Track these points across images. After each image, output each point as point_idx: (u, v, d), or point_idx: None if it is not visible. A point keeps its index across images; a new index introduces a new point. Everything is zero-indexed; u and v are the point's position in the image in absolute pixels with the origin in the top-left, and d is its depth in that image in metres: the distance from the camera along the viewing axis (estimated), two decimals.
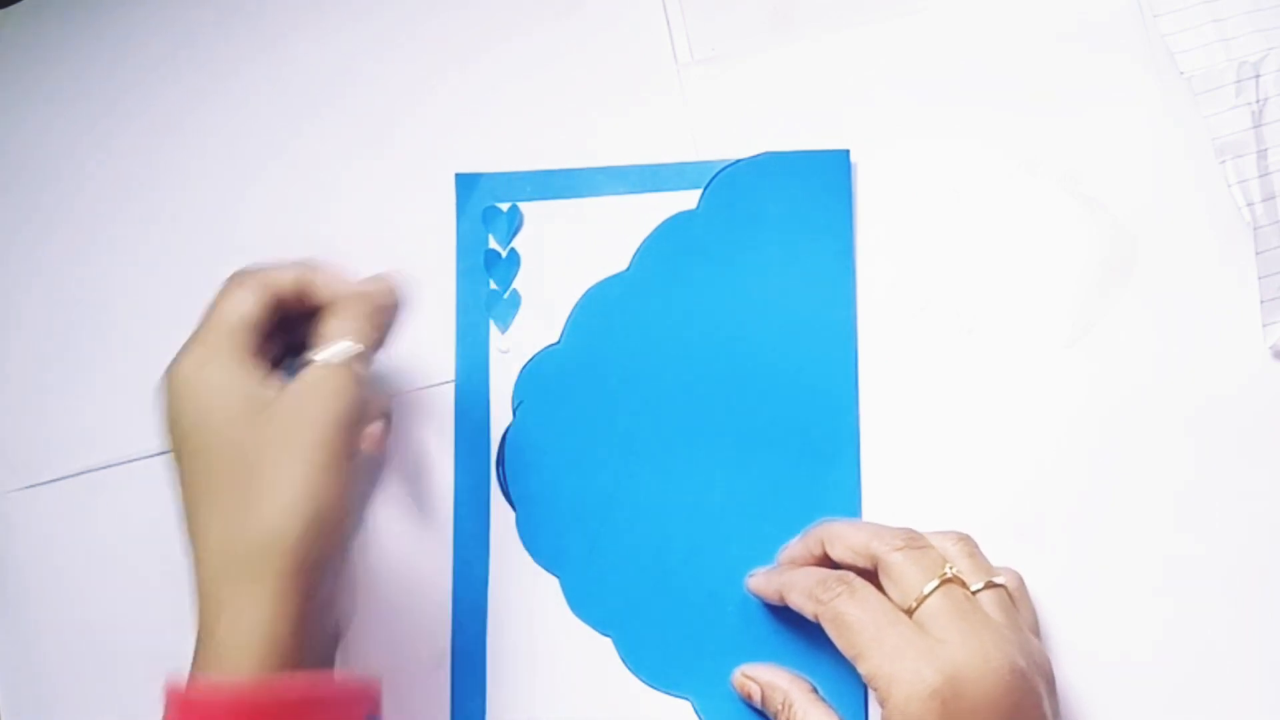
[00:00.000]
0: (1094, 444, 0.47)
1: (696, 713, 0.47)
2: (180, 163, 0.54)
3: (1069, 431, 0.47)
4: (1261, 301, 0.47)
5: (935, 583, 0.41)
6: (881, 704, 0.40)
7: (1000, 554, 0.45)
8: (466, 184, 0.52)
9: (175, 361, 0.43)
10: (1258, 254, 0.47)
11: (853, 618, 0.41)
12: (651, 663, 0.48)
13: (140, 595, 0.51)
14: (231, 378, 0.42)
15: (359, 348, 0.43)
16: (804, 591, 0.43)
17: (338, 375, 0.42)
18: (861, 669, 0.41)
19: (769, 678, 0.46)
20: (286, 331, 0.44)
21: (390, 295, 0.45)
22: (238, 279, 0.44)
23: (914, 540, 0.43)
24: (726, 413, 0.49)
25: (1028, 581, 0.45)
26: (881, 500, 0.47)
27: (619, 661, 0.48)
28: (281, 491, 0.40)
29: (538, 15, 0.53)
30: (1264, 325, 0.47)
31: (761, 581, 0.47)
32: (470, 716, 0.48)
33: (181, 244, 0.53)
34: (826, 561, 0.45)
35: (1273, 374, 0.47)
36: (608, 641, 0.48)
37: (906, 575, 0.41)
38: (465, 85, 0.53)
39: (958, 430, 0.48)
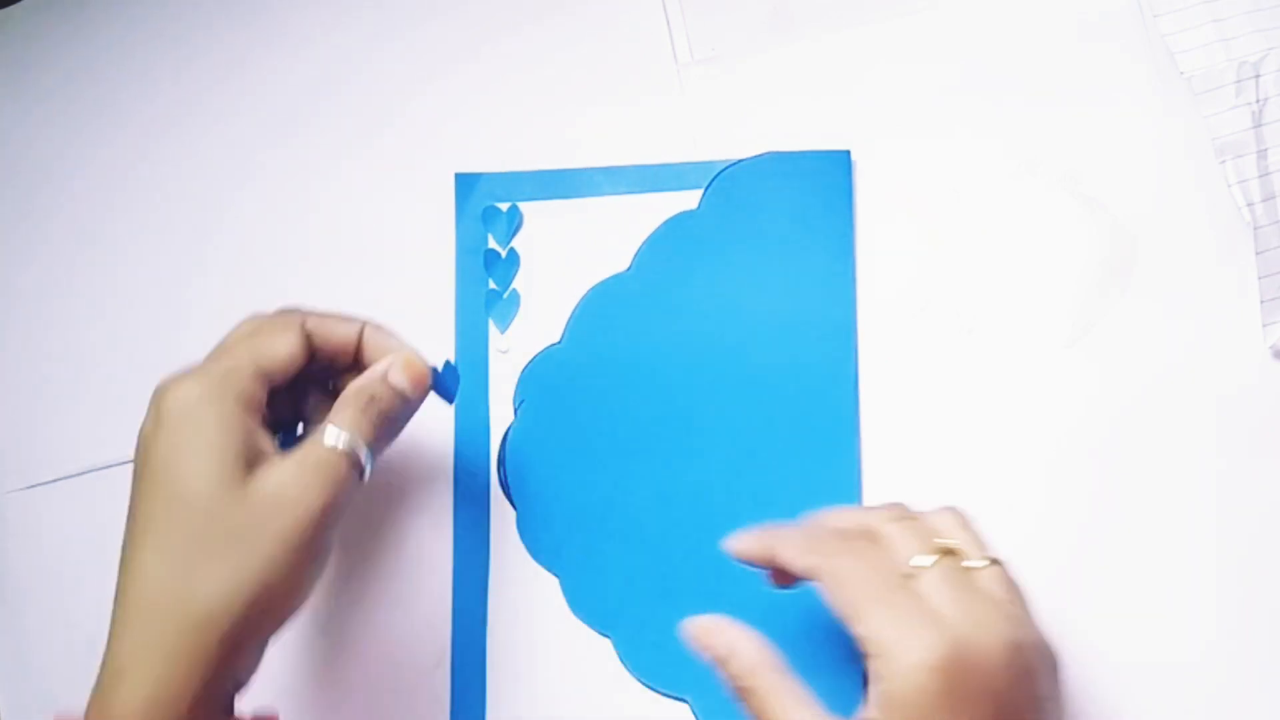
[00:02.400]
0: (1094, 444, 0.47)
1: (694, 713, 0.47)
2: (179, 162, 0.54)
3: (1069, 431, 0.47)
4: (1261, 301, 0.47)
5: (934, 556, 0.38)
6: (876, 672, 0.36)
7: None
8: (466, 184, 0.52)
9: (178, 383, 0.40)
10: (1258, 254, 0.47)
11: (854, 574, 0.38)
12: (650, 663, 0.48)
13: None
14: (229, 429, 0.39)
15: (364, 444, 0.41)
16: (799, 547, 0.39)
17: (341, 462, 0.40)
18: (858, 630, 0.37)
19: (730, 638, 0.40)
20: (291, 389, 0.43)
21: (414, 392, 0.43)
22: (284, 317, 0.42)
23: (906, 513, 0.41)
24: (727, 413, 0.49)
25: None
26: (882, 500, 0.47)
27: (618, 662, 0.48)
28: (240, 566, 0.38)
29: (537, 15, 0.53)
30: (1264, 325, 0.47)
31: (747, 542, 0.41)
32: (470, 716, 0.48)
33: (180, 243, 0.53)
34: None
35: (1273, 374, 0.47)
36: (607, 642, 0.48)
37: (901, 545, 0.39)
38: (465, 85, 0.53)
39: (958, 430, 0.48)
